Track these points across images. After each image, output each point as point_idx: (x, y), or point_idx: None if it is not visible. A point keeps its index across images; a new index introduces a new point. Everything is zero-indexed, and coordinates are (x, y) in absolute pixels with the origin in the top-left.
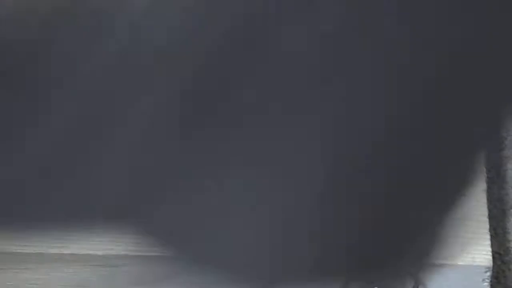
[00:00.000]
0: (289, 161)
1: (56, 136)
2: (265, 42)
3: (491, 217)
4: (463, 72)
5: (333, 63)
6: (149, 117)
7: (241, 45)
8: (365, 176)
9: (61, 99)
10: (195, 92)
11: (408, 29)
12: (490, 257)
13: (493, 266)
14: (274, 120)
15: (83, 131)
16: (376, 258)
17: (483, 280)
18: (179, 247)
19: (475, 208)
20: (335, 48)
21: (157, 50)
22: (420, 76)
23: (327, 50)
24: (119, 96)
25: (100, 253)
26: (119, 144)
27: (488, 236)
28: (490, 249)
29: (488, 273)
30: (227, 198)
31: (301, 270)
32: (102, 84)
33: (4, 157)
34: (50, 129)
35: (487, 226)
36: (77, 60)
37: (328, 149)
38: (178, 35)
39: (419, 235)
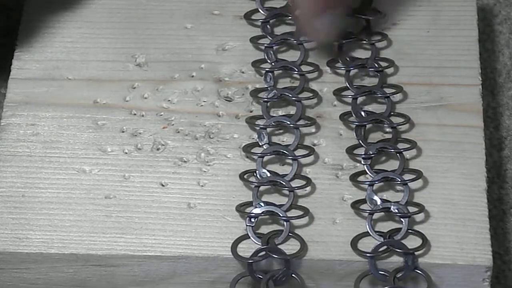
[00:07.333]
0: None
1: None
2: None
3: (491, 217)
4: None
5: None
6: None
7: None
8: None
9: None
10: None
11: None
12: (490, 257)
13: (493, 266)
14: None
15: None
16: None
17: (483, 280)
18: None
19: (475, 208)
20: None
21: None
22: None
23: None
24: None
25: (100, 253)
26: None
27: (488, 236)
28: (490, 249)
29: (489, 273)
30: None
31: None
32: None
33: None
34: None
35: (487, 226)
36: None
37: None
38: None
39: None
